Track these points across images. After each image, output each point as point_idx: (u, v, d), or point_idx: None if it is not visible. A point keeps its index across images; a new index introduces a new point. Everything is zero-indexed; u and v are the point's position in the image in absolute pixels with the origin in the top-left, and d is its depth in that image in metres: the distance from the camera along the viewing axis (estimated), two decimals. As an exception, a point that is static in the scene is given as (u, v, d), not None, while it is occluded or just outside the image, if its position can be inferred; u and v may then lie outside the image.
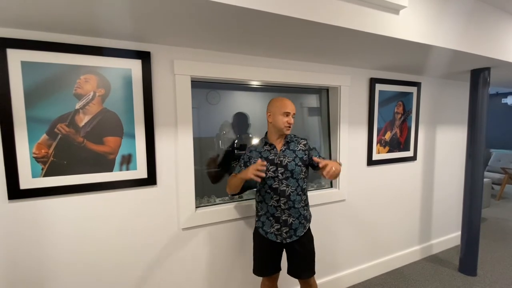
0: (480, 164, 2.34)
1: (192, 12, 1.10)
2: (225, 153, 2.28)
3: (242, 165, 1.57)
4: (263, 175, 1.37)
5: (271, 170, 1.50)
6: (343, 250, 2.30)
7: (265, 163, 1.40)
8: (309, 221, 1.60)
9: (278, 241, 1.52)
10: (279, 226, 1.51)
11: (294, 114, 1.52)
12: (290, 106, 1.51)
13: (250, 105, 2.32)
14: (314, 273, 1.58)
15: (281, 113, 1.49)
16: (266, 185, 1.52)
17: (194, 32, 1.33)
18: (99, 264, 1.47)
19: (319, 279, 2.17)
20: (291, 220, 1.51)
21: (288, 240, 1.52)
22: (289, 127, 1.51)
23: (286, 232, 1.51)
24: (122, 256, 1.52)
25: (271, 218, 1.53)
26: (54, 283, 1.39)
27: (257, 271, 1.60)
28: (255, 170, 1.36)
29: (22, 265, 1.33)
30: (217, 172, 2.16)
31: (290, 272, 1.59)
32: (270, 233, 1.53)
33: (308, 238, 1.58)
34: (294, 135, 1.63)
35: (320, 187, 2.24)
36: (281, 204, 1.50)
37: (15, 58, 1.23)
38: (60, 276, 1.40)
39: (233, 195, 1.90)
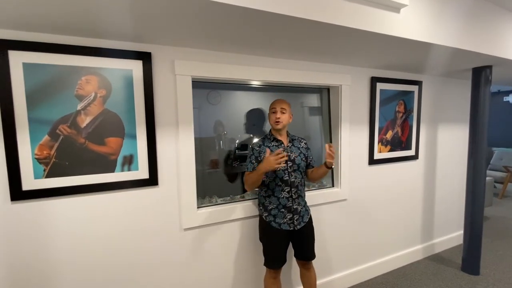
0: (482, 162, 2.33)
1: (193, 13, 1.10)
2: (226, 153, 2.28)
3: (254, 161, 1.64)
4: (286, 159, 1.50)
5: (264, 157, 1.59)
6: (345, 249, 2.30)
7: (281, 150, 1.49)
8: (309, 208, 1.77)
9: (291, 229, 1.63)
10: (291, 215, 1.63)
11: (282, 108, 1.62)
12: (276, 104, 1.64)
13: (251, 105, 2.32)
14: (315, 254, 1.74)
15: (270, 112, 1.67)
16: (277, 178, 1.62)
17: (195, 32, 1.33)
18: (102, 265, 1.48)
19: (321, 279, 2.16)
20: (300, 208, 1.65)
21: (298, 227, 1.64)
22: (278, 122, 1.62)
23: (296, 220, 1.64)
24: (125, 256, 1.52)
25: (283, 209, 1.63)
26: (57, 283, 1.39)
27: (270, 263, 1.65)
28: (276, 159, 1.44)
29: (25, 266, 1.33)
30: (230, 172, 2.16)
31: (300, 256, 1.71)
32: (284, 224, 1.62)
33: (311, 223, 1.73)
34: (294, 135, 1.77)
35: (321, 186, 2.23)
36: (292, 194, 1.63)
37: (16, 59, 1.24)
38: (63, 277, 1.40)
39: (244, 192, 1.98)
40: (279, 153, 1.45)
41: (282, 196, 1.62)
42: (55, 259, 1.38)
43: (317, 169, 1.70)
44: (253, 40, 1.46)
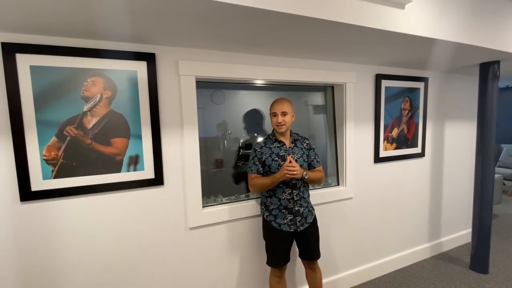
0: (490, 159, 2.29)
1: (197, 13, 1.11)
2: (230, 153, 2.28)
3: (257, 162, 1.63)
4: (294, 168, 1.49)
5: (282, 165, 1.57)
6: (351, 248, 2.29)
7: (292, 161, 1.52)
8: (313, 208, 1.74)
9: (292, 230, 1.61)
10: (292, 217, 1.61)
11: (283, 112, 1.58)
12: (276, 107, 1.60)
13: (255, 104, 2.31)
14: (320, 253, 1.73)
15: (271, 114, 1.63)
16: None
17: (199, 32, 1.34)
18: (108, 264, 1.50)
19: (327, 278, 2.16)
20: (302, 210, 1.63)
21: (301, 228, 1.62)
22: (280, 126, 1.59)
23: (299, 221, 1.62)
24: (131, 255, 1.54)
25: (284, 210, 1.61)
26: (65, 282, 1.42)
27: (272, 262, 1.66)
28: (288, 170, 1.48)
29: (33, 266, 1.36)
30: (236, 172, 2.16)
31: (304, 255, 1.70)
32: (284, 224, 1.61)
33: (315, 223, 1.72)
34: (297, 134, 1.74)
35: (326, 185, 2.23)
36: (294, 196, 1.61)
37: (24, 62, 1.26)
38: (71, 276, 1.43)
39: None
40: (289, 165, 1.48)
41: (283, 197, 1.60)
42: (63, 259, 1.40)
43: (313, 172, 1.67)
44: (257, 39, 1.46)
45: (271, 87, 2.15)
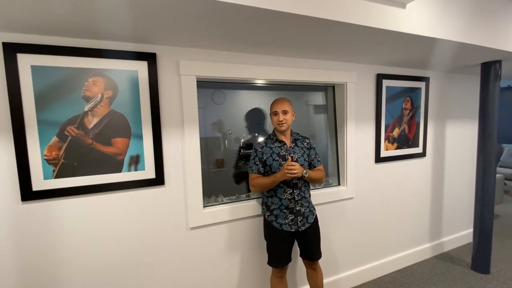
0: (492, 159, 2.28)
1: (198, 13, 1.11)
2: (231, 152, 2.28)
3: (258, 162, 1.63)
4: (294, 169, 1.50)
5: (283, 164, 1.57)
6: (353, 248, 2.28)
7: (289, 158, 1.53)
8: (315, 208, 1.74)
9: (293, 230, 1.61)
10: (293, 217, 1.61)
11: (284, 111, 1.58)
12: (277, 106, 1.60)
13: (255, 104, 2.32)
14: (321, 253, 1.73)
15: (272, 113, 1.63)
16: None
17: (200, 32, 1.34)
18: (109, 263, 1.50)
19: (328, 278, 2.16)
20: (303, 210, 1.63)
21: (303, 228, 1.62)
22: (281, 124, 1.59)
23: (300, 221, 1.62)
24: (131, 255, 1.54)
25: (285, 210, 1.61)
26: (66, 281, 1.42)
27: (273, 262, 1.65)
28: (289, 170, 1.49)
29: (34, 265, 1.36)
30: (237, 172, 2.16)
31: (305, 255, 1.70)
32: (285, 224, 1.61)
33: (316, 223, 1.71)
34: (297, 133, 1.74)
35: (327, 185, 2.22)
36: (295, 196, 1.61)
37: (25, 62, 1.26)
38: (72, 275, 1.43)
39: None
40: (289, 164, 1.49)
41: (285, 197, 1.60)
42: (63, 258, 1.41)
43: (313, 171, 1.66)
44: (258, 39, 1.46)
45: (272, 87, 2.15)
